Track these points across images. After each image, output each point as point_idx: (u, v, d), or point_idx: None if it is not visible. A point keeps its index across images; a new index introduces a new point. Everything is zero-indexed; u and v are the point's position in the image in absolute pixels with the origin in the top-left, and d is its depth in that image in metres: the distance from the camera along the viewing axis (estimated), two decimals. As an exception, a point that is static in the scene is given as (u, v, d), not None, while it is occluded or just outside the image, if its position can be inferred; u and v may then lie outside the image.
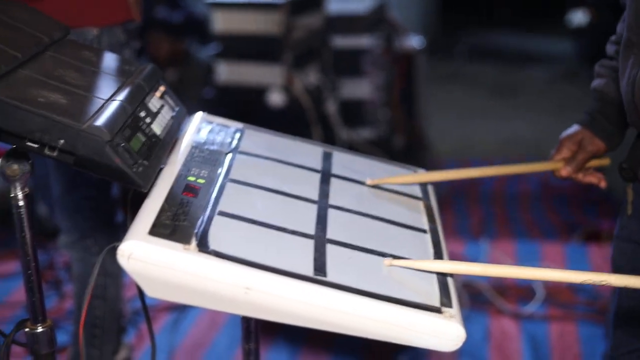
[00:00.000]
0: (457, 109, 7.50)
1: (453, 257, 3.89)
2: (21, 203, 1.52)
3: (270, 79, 4.13)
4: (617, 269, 1.91)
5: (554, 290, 3.75)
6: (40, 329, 1.61)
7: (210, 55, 4.47)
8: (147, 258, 1.31)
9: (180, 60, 5.36)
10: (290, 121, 4.15)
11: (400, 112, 5.19)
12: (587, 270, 1.46)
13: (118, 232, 2.55)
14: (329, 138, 4.41)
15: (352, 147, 4.55)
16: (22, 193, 1.52)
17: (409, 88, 5.39)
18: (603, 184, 1.96)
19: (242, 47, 4.17)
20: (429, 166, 5.73)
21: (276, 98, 4.10)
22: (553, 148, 1.98)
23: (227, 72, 4.22)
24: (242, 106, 4.18)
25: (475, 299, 3.67)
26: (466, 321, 3.37)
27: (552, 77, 8.75)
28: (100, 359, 2.60)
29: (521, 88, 8.43)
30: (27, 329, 1.62)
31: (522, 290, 3.75)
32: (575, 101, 7.36)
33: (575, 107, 7.25)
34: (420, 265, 1.50)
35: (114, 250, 1.40)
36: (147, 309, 1.79)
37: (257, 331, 1.64)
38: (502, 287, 3.79)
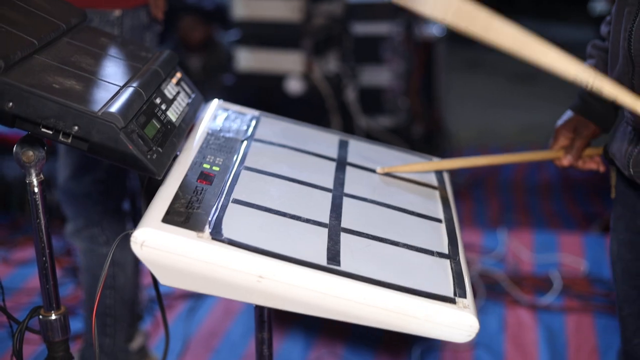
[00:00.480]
0: (477, 96, 7.47)
1: (470, 246, 3.91)
2: (36, 189, 1.52)
3: (289, 66, 4.12)
4: (617, 259, 1.89)
5: (570, 281, 3.73)
6: (53, 317, 1.62)
7: (230, 42, 4.46)
8: (160, 245, 1.31)
9: (208, 47, 5.37)
10: (309, 108, 4.15)
11: (420, 100, 5.17)
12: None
13: (125, 221, 2.53)
14: (348, 126, 4.41)
15: (371, 135, 4.55)
16: (37, 179, 1.52)
17: (429, 76, 5.37)
18: (602, 169, 1.94)
19: (262, 34, 4.16)
20: (449, 154, 5.74)
21: (295, 85, 4.09)
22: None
23: (247, 59, 4.22)
24: (262, 93, 4.18)
25: (491, 289, 3.65)
26: (482, 312, 3.38)
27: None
28: (112, 347, 2.60)
29: (541, 76, 8.35)
30: (40, 316, 1.62)
31: (539, 281, 3.73)
32: (573, 89, 7.32)
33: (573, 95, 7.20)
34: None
35: (124, 239, 1.40)
36: (161, 297, 1.79)
37: (270, 320, 1.63)
38: (519, 277, 3.77)
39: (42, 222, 1.55)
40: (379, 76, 4.79)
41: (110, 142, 1.38)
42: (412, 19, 5.12)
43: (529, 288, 3.69)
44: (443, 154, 5.35)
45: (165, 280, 1.35)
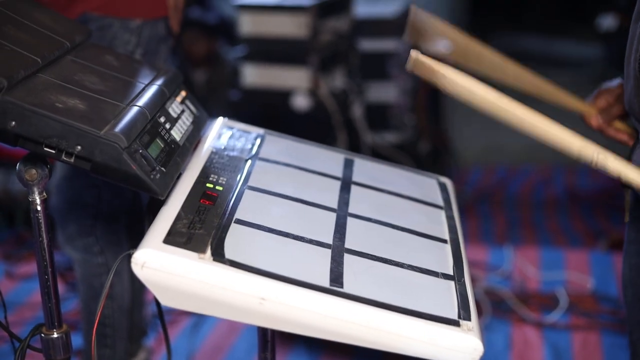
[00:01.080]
0: (484, 114, 7.45)
1: (476, 263, 3.89)
2: (39, 207, 1.52)
3: (296, 82, 4.12)
4: (628, 283, 1.87)
5: (577, 299, 3.71)
6: (55, 335, 1.61)
7: (236, 58, 4.46)
8: (161, 267, 1.31)
9: (212, 62, 5.37)
10: (315, 125, 4.14)
11: (426, 117, 5.16)
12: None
13: (121, 231, 2.48)
14: (354, 142, 4.40)
15: (377, 152, 4.54)
16: (40, 197, 1.51)
17: (435, 93, 5.35)
18: (631, 142, 1.87)
19: (269, 50, 4.16)
20: (455, 172, 5.72)
21: (301, 101, 4.09)
22: None
23: (253, 75, 4.21)
24: (268, 109, 4.18)
25: (497, 306, 3.64)
26: (488, 329, 3.36)
27: (580, 82, 8.68)
28: (113, 357, 2.57)
29: (550, 93, 8.35)
30: (42, 334, 1.61)
31: (545, 299, 3.71)
32: (584, 94, 7.30)
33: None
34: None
35: (117, 248, 1.39)
36: (163, 314, 1.78)
37: (274, 340, 1.62)
38: (525, 295, 3.75)
39: (45, 240, 1.54)
40: (385, 92, 4.78)
41: (113, 162, 1.38)
42: (418, 35, 5.10)
43: (535, 306, 3.67)
44: (449, 171, 5.35)
45: (167, 301, 1.34)
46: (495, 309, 3.61)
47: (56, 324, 1.61)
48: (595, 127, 1.88)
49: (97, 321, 1.55)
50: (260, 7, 4.16)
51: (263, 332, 1.62)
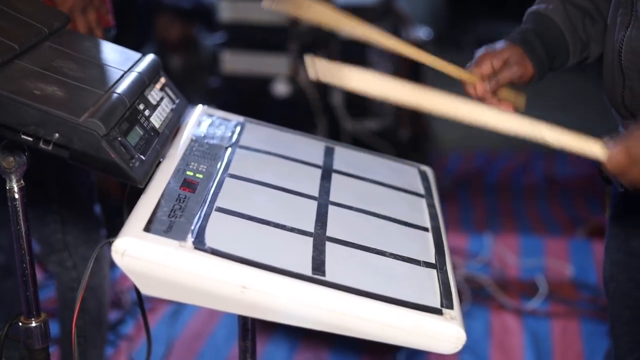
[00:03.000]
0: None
1: (456, 251, 3.90)
2: (16, 196, 1.50)
3: (275, 69, 4.11)
4: (610, 278, 1.87)
5: (556, 286, 3.72)
6: (34, 324, 1.59)
7: (216, 44, 4.44)
8: (141, 255, 1.29)
9: (188, 47, 5.33)
10: (295, 112, 4.13)
11: (406, 103, 5.15)
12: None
13: (98, 242, 2.44)
14: (334, 129, 4.39)
15: (357, 139, 4.53)
16: (18, 185, 1.49)
17: (416, 79, 5.35)
18: None
19: (248, 37, 4.14)
20: (435, 158, 5.72)
21: (281, 88, 4.08)
22: None
23: (232, 62, 4.20)
24: (247, 96, 4.17)
25: (477, 293, 3.64)
26: (467, 316, 3.37)
27: (586, 78, 8.69)
28: None
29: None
30: (20, 323, 1.59)
31: (525, 286, 3.72)
32: (582, 94, 7.32)
33: (582, 100, 7.22)
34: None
35: (94, 264, 1.38)
36: (143, 303, 1.77)
37: (254, 328, 1.61)
38: (505, 282, 3.76)
39: (23, 228, 1.53)
40: (365, 79, 4.77)
41: (92, 150, 1.36)
42: (399, 22, 5.10)
43: (515, 293, 3.68)
44: (429, 158, 5.35)
45: (147, 289, 1.33)
46: (474, 296, 3.62)
47: (34, 312, 1.59)
48: (479, 95, 1.69)
49: (73, 335, 1.53)
50: (239, -7, 4.15)
51: (243, 321, 1.61)
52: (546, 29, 1.74)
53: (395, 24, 5.02)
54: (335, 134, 4.37)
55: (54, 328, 1.90)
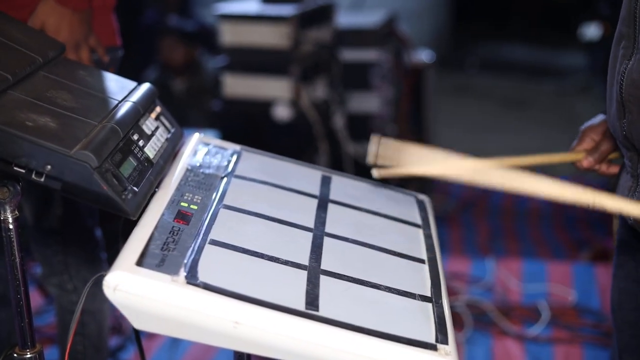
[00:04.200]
0: (467, 122, 7.45)
1: (458, 275, 3.87)
2: (11, 226, 1.49)
3: (277, 93, 4.10)
4: (617, 307, 1.85)
5: (559, 311, 3.70)
6: (29, 355, 1.57)
7: (218, 68, 4.44)
8: (133, 290, 1.28)
9: (191, 70, 5.35)
10: (297, 135, 4.12)
11: (409, 126, 5.15)
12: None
13: (99, 266, 2.45)
14: (336, 153, 4.38)
15: (359, 163, 4.52)
16: (12, 216, 1.48)
17: (418, 102, 5.34)
18: None
19: (250, 60, 4.14)
20: (437, 182, 5.71)
21: (283, 112, 4.07)
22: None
23: (234, 85, 4.19)
24: (249, 119, 4.16)
25: (479, 319, 3.62)
26: (469, 342, 3.35)
27: (563, 91, 8.70)
28: None
29: (532, 101, 8.37)
30: (15, 355, 1.58)
31: (527, 312, 3.70)
32: (587, 115, 7.29)
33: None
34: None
35: (95, 287, 1.36)
36: (139, 335, 1.75)
37: (250, 360, 1.59)
38: (507, 307, 3.74)
39: (17, 259, 1.51)
40: (367, 103, 4.77)
41: (84, 182, 1.35)
42: (401, 46, 5.10)
43: (517, 318, 3.65)
44: (431, 183, 5.33)
45: (139, 324, 1.31)
46: (476, 322, 3.60)
47: (29, 344, 1.58)
48: (587, 168, 1.84)
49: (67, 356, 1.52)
50: (241, 16, 4.14)
51: (239, 353, 1.59)
52: None
53: (397, 47, 5.01)
54: (337, 157, 4.36)
55: (54, 354, 1.89)
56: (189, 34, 5.39)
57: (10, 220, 1.48)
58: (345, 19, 4.86)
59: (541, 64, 9.96)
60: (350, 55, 4.71)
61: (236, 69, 4.18)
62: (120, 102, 1.62)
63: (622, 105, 1.59)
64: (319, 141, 4.18)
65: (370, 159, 1.78)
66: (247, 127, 4.18)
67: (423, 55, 5.40)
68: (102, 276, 1.30)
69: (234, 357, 1.60)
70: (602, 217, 5.25)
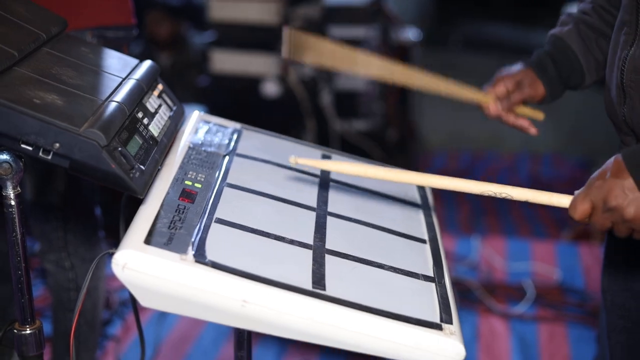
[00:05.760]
0: (450, 100, 7.45)
1: (445, 253, 3.89)
2: (13, 202, 1.48)
3: (265, 69, 4.09)
4: (607, 288, 1.88)
5: (544, 290, 3.73)
6: (28, 331, 1.57)
7: (205, 43, 4.42)
8: (142, 268, 1.28)
9: (177, 45, 5.32)
10: (285, 112, 4.12)
11: (395, 104, 5.16)
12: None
13: (97, 244, 2.46)
14: (323, 130, 4.38)
15: (346, 140, 4.53)
16: (14, 192, 1.47)
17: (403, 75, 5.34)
18: (533, 131, 1.92)
19: (239, 36, 4.13)
20: (421, 159, 5.73)
21: (271, 88, 4.06)
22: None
23: (222, 61, 4.18)
24: (237, 95, 4.15)
25: (464, 297, 3.65)
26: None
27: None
28: None
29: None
30: (15, 330, 1.58)
31: (512, 290, 3.73)
32: (568, 95, 7.33)
33: (568, 101, 7.22)
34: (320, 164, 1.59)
35: (91, 265, 1.36)
36: (138, 311, 1.75)
37: (250, 339, 1.60)
38: (492, 286, 3.77)
39: (19, 235, 1.51)
40: (354, 80, 4.77)
41: (92, 161, 1.35)
42: (388, 23, 5.09)
43: (502, 296, 3.68)
44: (416, 158, 5.35)
45: (147, 302, 1.32)
46: (462, 300, 3.62)
47: (29, 319, 1.58)
48: (493, 115, 1.89)
49: (71, 345, 1.52)
50: (230, -8, 4.13)
51: (239, 331, 1.60)
52: (559, 50, 1.88)
53: (385, 25, 5.01)
54: (324, 134, 4.37)
55: (46, 327, 1.89)
56: (175, 8, 5.35)
57: (12, 196, 1.48)
58: (333, -5, 4.86)
59: (525, 42, 9.96)
60: (338, 32, 4.70)
61: (224, 44, 4.17)
62: (124, 79, 1.62)
63: (623, 90, 1.60)
64: (306, 118, 4.18)
65: (284, 53, 1.82)
66: (235, 103, 4.18)
67: (410, 33, 5.40)
68: (106, 254, 1.31)
69: (234, 333, 1.61)
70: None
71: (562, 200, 1.48)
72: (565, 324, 3.48)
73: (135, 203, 1.49)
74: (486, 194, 1.51)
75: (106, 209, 2.54)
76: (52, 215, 2.34)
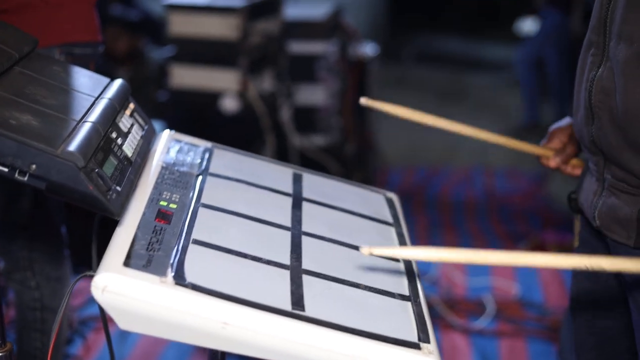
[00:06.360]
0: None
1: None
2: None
3: (225, 84, 4.08)
4: (576, 305, 1.90)
5: (503, 305, 3.76)
6: (1, 354, 1.56)
7: (165, 58, 4.40)
8: (122, 291, 1.27)
9: (135, 60, 5.29)
10: (244, 127, 4.11)
11: (352, 119, 5.18)
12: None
13: (63, 263, 2.44)
14: (282, 145, 4.38)
15: (305, 155, 4.53)
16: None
17: (362, 94, 5.37)
18: None
19: (198, 51, 4.11)
20: (379, 173, 5.75)
21: (230, 103, 4.05)
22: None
23: (181, 76, 4.16)
24: (196, 110, 4.13)
25: (426, 312, 3.65)
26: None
27: (498, 83, 8.81)
28: None
29: (467, 94, 8.47)
30: (-14, 353, 1.56)
31: (473, 305, 3.75)
32: (521, 108, 7.40)
33: (521, 115, 7.30)
34: (399, 254, 1.57)
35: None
36: (108, 328, 1.73)
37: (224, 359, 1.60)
38: (453, 301, 3.79)
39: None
40: (313, 95, 4.77)
41: (70, 182, 1.34)
42: (346, 38, 5.11)
43: (463, 312, 3.71)
44: (374, 173, 5.37)
45: (126, 325, 1.31)
46: (423, 315, 3.62)
47: (0, 343, 1.56)
48: (553, 168, 1.95)
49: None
50: (190, 7, 4.11)
51: (213, 351, 1.59)
52: None
53: (343, 40, 5.03)
54: (283, 150, 4.36)
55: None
56: (133, 23, 5.34)
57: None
58: (292, 10, 4.86)
59: (477, 56, 10.07)
60: (297, 47, 4.71)
61: (184, 59, 4.15)
62: (96, 99, 1.61)
63: (591, 111, 1.63)
64: (266, 133, 4.17)
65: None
66: (194, 118, 4.16)
67: (367, 48, 5.42)
68: (83, 276, 1.29)
69: (209, 356, 1.60)
70: (537, 210, 5.36)
71: None
72: (525, 338, 3.51)
73: (103, 222, 1.48)
74: (581, 269, 1.50)
75: (71, 227, 2.51)
76: (17, 234, 2.32)
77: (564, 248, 4.57)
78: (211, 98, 4.11)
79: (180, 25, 4.11)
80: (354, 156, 5.15)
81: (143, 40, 5.40)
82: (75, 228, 2.71)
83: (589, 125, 1.65)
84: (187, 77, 4.16)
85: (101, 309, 1.57)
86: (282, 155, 4.34)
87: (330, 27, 4.86)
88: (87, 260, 1.51)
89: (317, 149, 4.75)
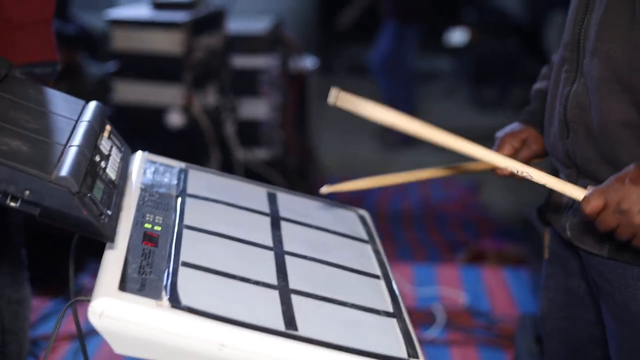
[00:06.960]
0: (341, 125, 7.55)
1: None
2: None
3: (169, 99, 4.07)
4: (547, 316, 1.94)
5: (453, 314, 3.80)
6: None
7: (108, 73, 4.38)
8: (119, 315, 1.28)
9: (72, 74, 5.24)
10: (189, 142, 4.10)
11: (293, 132, 5.21)
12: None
13: (23, 285, 2.40)
14: (227, 159, 4.38)
15: (249, 169, 4.54)
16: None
17: (302, 108, 5.41)
18: None
19: (142, 66, 4.09)
20: (319, 184, 5.76)
21: (175, 118, 4.04)
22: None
23: (125, 91, 4.14)
24: (141, 125, 4.10)
25: (376, 323, 3.68)
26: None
27: (429, 94, 8.91)
28: None
29: (400, 105, 8.54)
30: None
31: (423, 315, 3.79)
32: (453, 117, 7.51)
33: (453, 125, 7.40)
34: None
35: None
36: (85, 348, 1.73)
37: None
38: (402, 311, 3.82)
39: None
40: (256, 109, 4.79)
41: (64, 208, 1.33)
42: (287, 52, 5.14)
43: (413, 322, 3.72)
44: (314, 184, 5.39)
45: (121, 349, 1.31)
46: (374, 326, 3.65)
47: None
48: (507, 175, 1.80)
49: None
50: (133, 22, 4.09)
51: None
52: None
53: (284, 54, 5.06)
54: (228, 164, 4.37)
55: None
56: (70, 37, 5.28)
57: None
58: (235, 25, 4.87)
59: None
60: (240, 61, 4.72)
61: (127, 75, 4.13)
62: (76, 122, 1.61)
63: (566, 125, 1.67)
64: (211, 148, 4.18)
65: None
66: (139, 133, 4.13)
67: (307, 62, 5.45)
68: (75, 301, 1.29)
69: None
70: (473, 219, 5.43)
71: (575, 191, 1.53)
72: (476, 347, 3.55)
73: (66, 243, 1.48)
74: (509, 169, 1.56)
75: (31, 249, 2.49)
76: None
77: (503, 256, 4.65)
78: (155, 113, 4.10)
79: (124, 41, 4.09)
80: (295, 168, 5.18)
81: (80, 54, 5.35)
82: (35, 250, 2.68)
83: (564, 138, 1.69)
84: (131, 92, 4.14)
85: (79, 331, 1.58)
86: (227, 169, 4.34)
87: (271, 41, 4.88)
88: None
89: (260, 162, 4.77)
